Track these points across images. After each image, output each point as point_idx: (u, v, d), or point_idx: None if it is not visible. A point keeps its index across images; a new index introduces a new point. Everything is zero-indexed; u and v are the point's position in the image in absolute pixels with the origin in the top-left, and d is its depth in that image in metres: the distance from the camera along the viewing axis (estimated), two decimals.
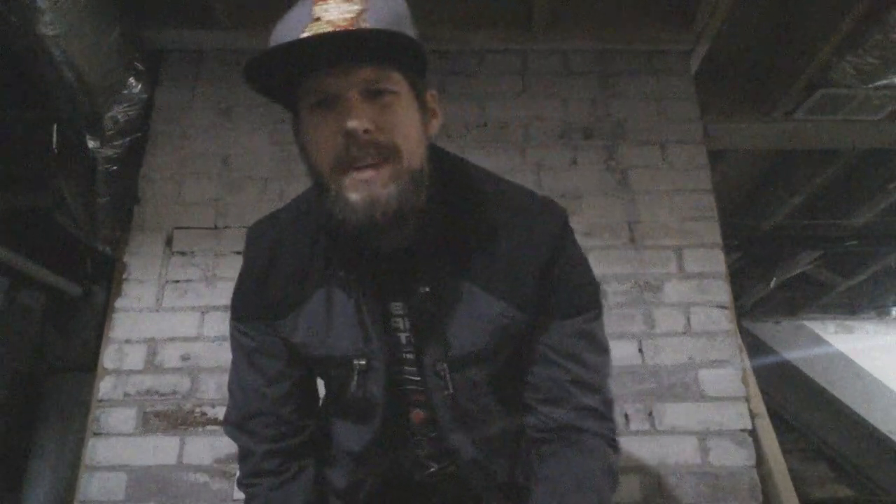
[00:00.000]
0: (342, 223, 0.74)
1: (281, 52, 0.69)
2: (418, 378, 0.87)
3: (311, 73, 0.72)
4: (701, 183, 2.06)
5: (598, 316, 0.88)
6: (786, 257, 3.98)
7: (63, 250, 2.86)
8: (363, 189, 0.71)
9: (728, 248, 2.09)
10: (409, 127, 0.75)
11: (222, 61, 2.19)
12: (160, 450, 1.75)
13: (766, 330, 5.25)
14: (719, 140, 2.42)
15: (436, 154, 0.83)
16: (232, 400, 0.94)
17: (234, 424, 0.93)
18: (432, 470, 0.95)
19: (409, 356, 0.87)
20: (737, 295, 2.27)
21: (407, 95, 0.75)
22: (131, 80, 1.94)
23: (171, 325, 1.88)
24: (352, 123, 0.70)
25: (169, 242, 1.97)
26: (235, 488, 1.72)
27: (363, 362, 0.84)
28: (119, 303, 1.90)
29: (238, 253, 1.96)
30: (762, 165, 3.14)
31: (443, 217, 0.81)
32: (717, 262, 1.97)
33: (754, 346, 4.90)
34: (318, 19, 0.69)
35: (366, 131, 0.70)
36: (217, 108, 2.13)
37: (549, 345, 0.85)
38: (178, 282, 1.93)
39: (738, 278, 4.16)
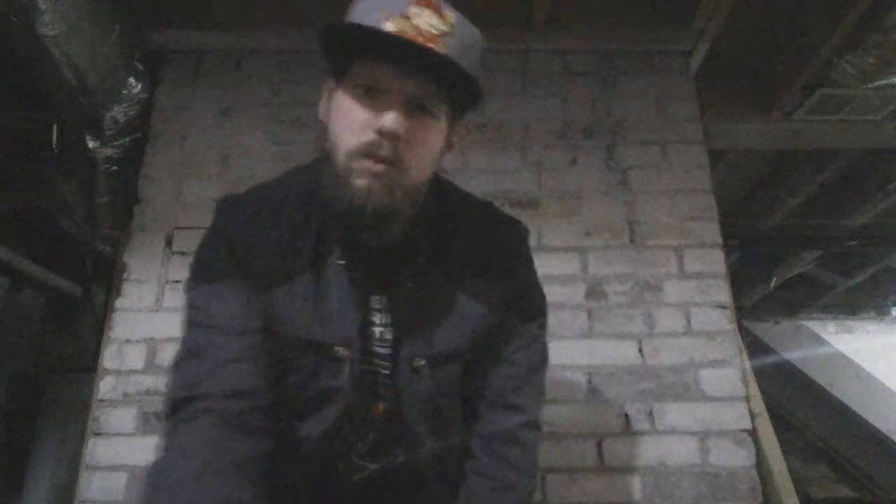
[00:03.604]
0: (336, 201, 0.77)
1: (359, 29, 0.72)
2: (388, 372, 0.88)
3: (374, 58, 0.75)
4: (701, 183, 2.06)
5: (546, 324, 1.01)
6: (786, 257, 3.98)
7: (63, 250, 2.86)
8: (369, 180, 0.74)
9: (728, 248, 2.09)
10: (429, 153, 0.80)
11: (222, 61, 2.19)
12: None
13: (766, 330, 5.26)
14: (719, 140, 2.42)
15: (434, 176, 0.89)
16: (180, 375, 0.81)
17: (185, 399, 0.78)
18: (368, 471, 0.93)
19: (381, 350, 0.88)
20: (737, 295, 2.27)
21: (442, 124, 0.81)
22: (131, 80, 1.94)
23: (171, 325, 1.87)
24: (392, 125, 0.73)
25: (169, 242, 1.97)
26: None
27: (343, 350, 0.85)
28: (119, 303, 1.90)
29: None
30: (762, 165, 3.14)
31: (428, 227, 0.87)
32: (717, 262, 1.97)
33: (754, 346, 4.90)
34: (407, 18, 0.72)
35: (396, 137, 0.73)
36: (217, 108, 2.13)
37: (508, 345, 0.94)
38: (178, 282, 1.92)
39: (738, 278, 4.16)
